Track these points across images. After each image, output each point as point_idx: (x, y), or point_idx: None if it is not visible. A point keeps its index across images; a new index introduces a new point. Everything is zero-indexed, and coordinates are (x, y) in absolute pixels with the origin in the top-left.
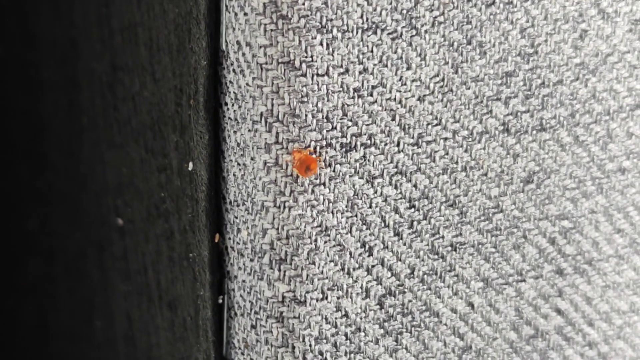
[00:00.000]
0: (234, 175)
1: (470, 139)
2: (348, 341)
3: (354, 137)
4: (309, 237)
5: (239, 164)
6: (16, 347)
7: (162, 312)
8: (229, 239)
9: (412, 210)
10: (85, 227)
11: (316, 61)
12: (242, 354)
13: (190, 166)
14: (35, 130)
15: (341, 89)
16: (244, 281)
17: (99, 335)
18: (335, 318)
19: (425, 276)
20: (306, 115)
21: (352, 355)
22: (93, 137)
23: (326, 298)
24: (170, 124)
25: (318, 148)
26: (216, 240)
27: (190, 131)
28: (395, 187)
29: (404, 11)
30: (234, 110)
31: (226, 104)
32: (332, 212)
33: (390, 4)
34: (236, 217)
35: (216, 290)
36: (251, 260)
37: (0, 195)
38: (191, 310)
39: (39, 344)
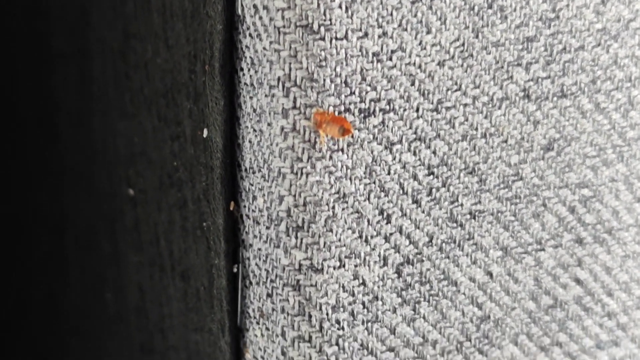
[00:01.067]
0: (250, 142)
1: (490, 105)
2: (365, 310)
3: (372, 103)
4: (327, 204)
5: (255, 130)
6: (26, 324)
7: (175, 283)
8: (244, 207)
9: (431, 177)
10: (96, 199)
11: (335, 24)
12: (257, 323)
13: (205, 133)
14: (46, 101)
15: (360, 53)
16: (259, 249)
17: (110, 308)
18: (353, 286)
19: (444, 244)
20: (324, 80)
21: (370, 324)
22: (104, 107)
23: (343, 266)
24: (183, 91)
25: (336, 113)
26: (231, 209)
27: (204, 98)
28: (414, 154)
29: None
30: (250, 76)
31: (242, 69)
32: (350, 179)
33: None
34: (252, 185)
35: (231, 259)
36: (267, 228)
37: (10, 169)
38: (205, 280)
39: (48, 320)
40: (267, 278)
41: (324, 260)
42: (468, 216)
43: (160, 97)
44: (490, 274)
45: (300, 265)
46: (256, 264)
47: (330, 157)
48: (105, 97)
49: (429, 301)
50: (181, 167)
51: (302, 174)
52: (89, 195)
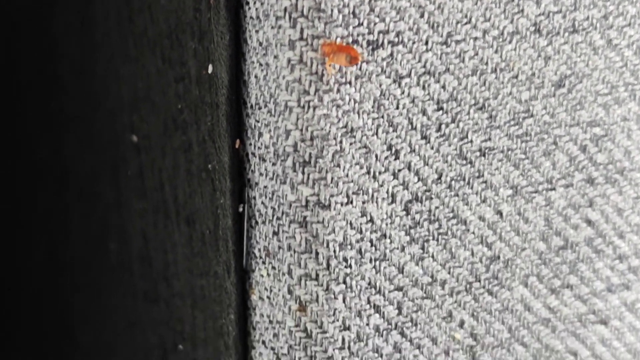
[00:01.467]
0: (256, 76)
1: (500, 40)
2: (373, 248)
3: (381, 34)
4: (334, 139)
5: (261, 64)
6: (27, 280)
7: (180, 228)
8: (250, 144)
9: (440, 112)
10: (99, 148)
11: None
12: (264, 262)
13: (210, 69)
14: (47, 51)
15: None
16: (265, 187)
17: (113, 258)
18: (360, 223)
19: (453, 182)
20: (332, 10)
21: (377, 262)
22: (107, 53)
23: (351, 202)
24: (188, 31)
25: (344, 44)
26: (237, 146)
27: (209, 35)
28: (423, 88)
29: None
30: (256, 8)
31: (247, 2)
32: (358, 113)
33: None
34: (257, 121)
35: (237, 198)
36: (273, 164)
37: (9, 120)
38: (210, 224)
39: (49, 275)
40: (273, 216)
41: (331, 196)
42: (478, 153)
43: (164, 39)
44: (500, 213)
45: (307, 201)
46: (262, 203)
47: (338, 90)
48: (108, 42)
49: (437, 240)
50: (186, 109)
51: (309, 107)
52: (91, 144)
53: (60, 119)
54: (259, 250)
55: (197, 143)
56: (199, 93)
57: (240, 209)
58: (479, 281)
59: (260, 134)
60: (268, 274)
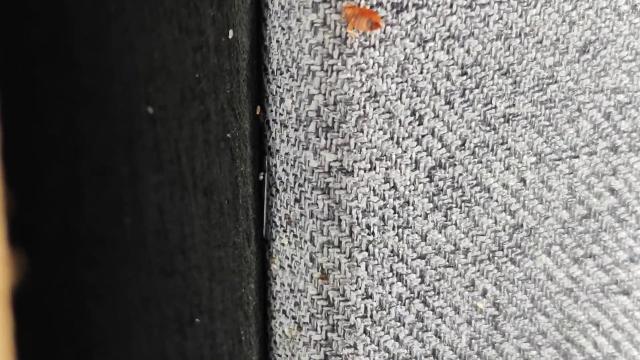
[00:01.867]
0: (277, 41)
1: (525, 4)
2: (396, 215)
3: None
4: (358, 103)
5: (282, 29)
6: (38, 258)
7: (197, 200)
8: (271, 111)
9: (465, 77)
10: (112, 122)
11: None
12: (285, 231)
13: (231, 34)
14: (59, 25)
15: None
16: (287, 154)
17: (128, 233)
18: (384, 190)
19: (477, 148)
20: None
21: (401, 230)
22: (122, 25)
23: (374, 168)
24: None
25: (368, 7)
26: (257, 113)
27: (229, 1)
28: (448, 52)
29: None
30: None
31: None
32: (382, 77)
33: None
34: (279, 87)
35: (257, 166)
36: (295, 130)
37: (22, 96)
38: (228, 194)
39: (63, 252)
40: (295, 183)
41: (355, 162)
42: (502, 119)
43: (181, 7)
44: (523, 181)
45: (329, 167)
46: (283, 170)
47: (362, 54)
48: (123, 12)
49: (460, 207)
50: (204, 78)
51: (332, 71)
52: (105, 117)
53: (74, 93)
54: (280, 218)
55: (216, 112)
56: (218, 61)
57: (261, 177)
58: (502, 250)
59: (282, 100)
60: (289, 242)
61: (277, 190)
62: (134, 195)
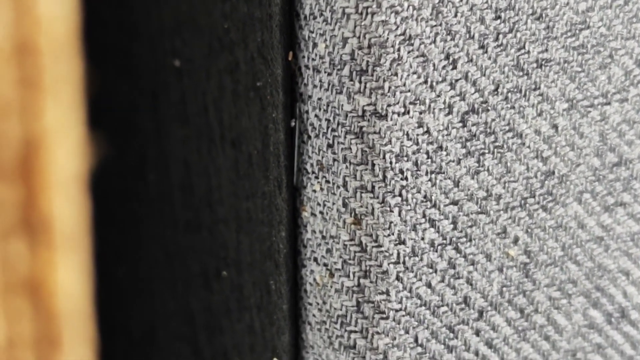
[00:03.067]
0: None
1: None
2: (429, 160)
3: None
4: (392, 46)
5: None
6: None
7: (225, 152)
8: (303, 57)
9: (498, 21)
10: (136, 77)
11: None
12: (317, 177)
13: None
14: None
15: None
16: (319, 99)
17: (152, 189)
18: (417, 134)
19: (510, 94)
20: None
21: (433, 175)
22: None
23: (408, 112)
24: None
25: None
26: (289, 59)
27: None
28: None
29: None
30: None
31: None
32: (416, 20)
33: None
34: (312, 32)
35: (289, 113)
36: (329, 74)
37: None
38: (257, 143)
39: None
40: (327, 128)
41: (388, 105)
42: (534, 65)
43: None
44: (555, 127)
45: (363, 111)
46: (316, 116)
47: None
48: None
49: (493, 153)
50: (233, 29)
51: (367, 13)
52: (129, 73)
53: (98, 48)
54: (312, 165)
55: (245, 62)
56: (248, 10)
57: (292, 124)
58: (534, 197)
59: (315, 45)
60: (321, 189)
61: (309, 137)
62: (158, 151)
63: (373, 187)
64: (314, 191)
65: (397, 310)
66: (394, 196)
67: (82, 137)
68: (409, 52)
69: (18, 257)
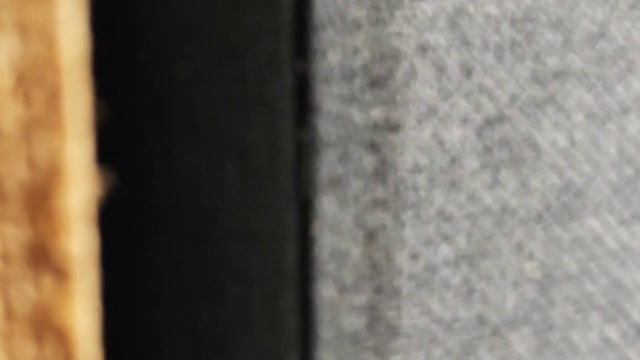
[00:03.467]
0: None
1: None
2: (443, 174)
3: None
4: (405, 57)
5: None
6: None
7: (233, 163)
8: (313, 67)
9: (514, 32)
10: (143, 85)
11: None
12: (327, 191)
13: None
14: None
15: None
16: (329, 110)
17: (159, 201)
18: (431, 147)
19: (526, 106)
20: None
21: (447, 189)
22: None
23: (422, 125)
24: None
25: None
26: (299, 69)
27: None
28: (497, 5)
29: None
30: None
31: None
32: (431, 30)
33: None
34: (322, 41)
35: (298, 125)
36: (339, 86)
37: None
38: (266, 155)
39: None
40: (338, 140)
41: (402, 118)
42: (551, 76)
43: None
44: (572, 140)
45: (375, 123)
46: (326, 127)
47: (411, 6)
48: None
49: (508, 167)
50: (241, 38)
51: (379, 23)
52: (135, 81)
53: (101, 57)
54: (322, 177)
55: (253, 71)
56: (256, 19)
57: (302, 136)
58: (549, 211)
59: (325, 55)
60: (332, 203)
61: (319, 149)
62: (165, 162)
63: (385, 201)
64: (324, 205)
65: (409, 328)
66: (407, 211)
67: (92, 172)
68: (422, 63)
69: (29, 301)
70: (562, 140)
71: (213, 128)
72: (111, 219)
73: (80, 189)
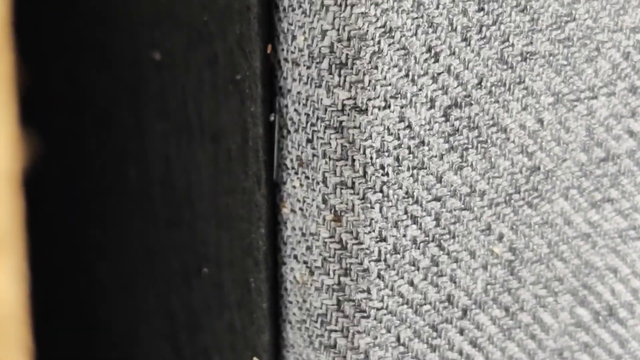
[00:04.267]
0: None
1: None
2: (411, 155)
3: None
4: (372, 39)
5: None
6: (40, 212)
7: (204, 147)
8: (282, 50)
9: (481, 14)
10: (117, 69)
11: None
12: (296, 173)
13: None
14: None
15: None
16: (299, 93)
17: (132, 185)
18: (398, 129)
19: (494, 87)
20: None
21: (415, 171)
22: None
23: (389, 107)
24: None
25: None
26: (268, 52)
27: None
28: None
29: None
30: None
31: None
32: (397, 12)
33: None
34: (291, 24)
35: (268, 107)
36: (308, 67)
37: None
38: (237, 138)
39: (64, 206)
40: (307, 122)
41: (369, 100)
42: (519, 58)
43: None
44: (541, 122)
45: (343, 105)
46: (295, 110)
47: None
48: None
49: (477, 148)
50: (211, 21)
51: (346, 5)
52: (109, 66)
53: (76, 42)
54: (291, 160)
55: (224, 54)
56: (226, 2)
57: (272, 119)
58: (519, 193)
59: (294, 37)
60: (301, 185)
61: (289, 132)
62: (138, 146)
63: (353, 183)
64: (294, 187)
65: (378, 309)
66: (375, 192)
67: (14, 137)
68: (389, 44)
69: None
70: (530, 122)
71: (185, 112)
72: (87, 201)
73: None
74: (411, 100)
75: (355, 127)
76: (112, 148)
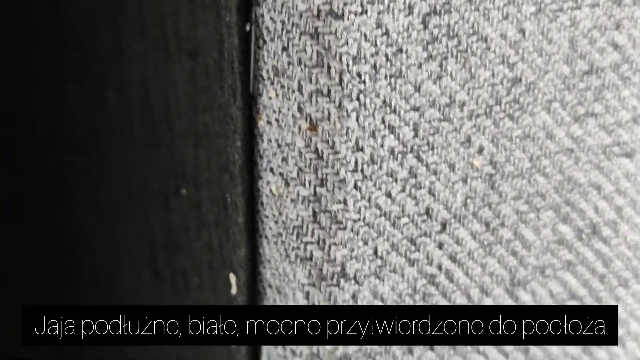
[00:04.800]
0: None
1: None
2: (389, 63)
3: None
4: None
5: None
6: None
7: (182, 64)
8: None
9: None
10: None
11: None
12: (272, 83)
13: None
14: None
15: None
16: (274, 0)
17: (111, 107)
18: (375, 36)
19: None
20: None
21: (393, 79)
22: None
23: (366, 12)
24: None
25: None
26: None
27: None
28: None
29: None
30: None
31: None
32: None
33: None
34: None
35: (243, 16)
36: None
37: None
38: (214, 53)
39: (46, 129)
40: (282, 30)
41: (345, 5)
42: None
43: None
44: (522, 32)
45: (319, 10)
46: (270, 18)
47: None
48: None
49: (456, 57)
50: None
51: None
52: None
53: None
54: (267, 71)
55: None
56: None
57: (247, 28)
58: (500, 104)
59: None
60: (277, 94)
61: (264, 41)
62: (117, 67)
63: (329, 90)
64: (270, 98)
65: (355, 221)
66: (351, 100)
67: None
68: None
69: None
70: (512, 32)
71: (162, 29)
72: (66, 127)
73: None
74: (389, 5)
75: (331, 33)
76: (92, 72)
